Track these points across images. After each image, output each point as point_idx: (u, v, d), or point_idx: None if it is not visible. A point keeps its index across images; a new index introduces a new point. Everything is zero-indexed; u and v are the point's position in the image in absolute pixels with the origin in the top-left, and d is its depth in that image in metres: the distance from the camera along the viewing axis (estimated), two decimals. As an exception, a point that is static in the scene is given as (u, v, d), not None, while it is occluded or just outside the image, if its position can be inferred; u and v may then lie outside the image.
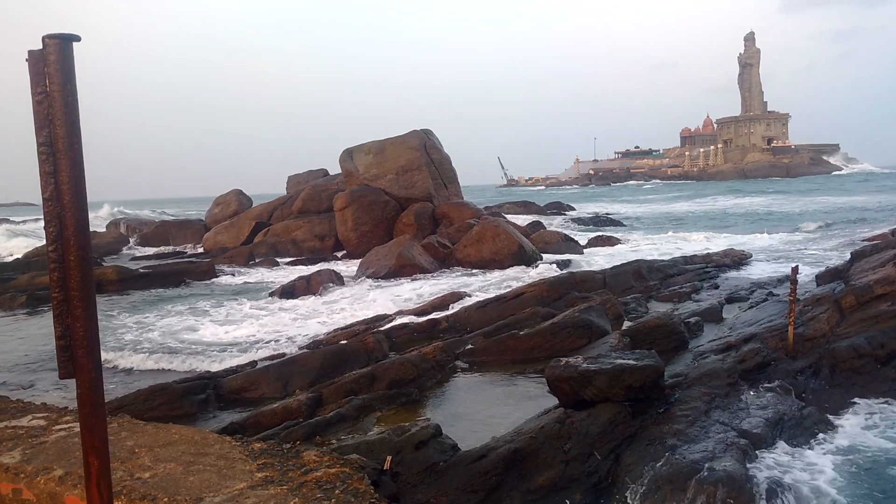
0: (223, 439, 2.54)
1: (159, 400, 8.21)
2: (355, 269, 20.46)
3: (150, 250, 31.43)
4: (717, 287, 15.09)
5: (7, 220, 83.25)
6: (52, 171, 1.72)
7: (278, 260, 24.76)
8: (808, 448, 6.44)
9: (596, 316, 10.66)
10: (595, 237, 26.75)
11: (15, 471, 2.27)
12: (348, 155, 27.64)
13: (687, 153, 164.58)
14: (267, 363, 9.93)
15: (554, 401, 7.07)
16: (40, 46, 1.71)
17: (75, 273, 1.74)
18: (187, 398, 8.41)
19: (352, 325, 12.71)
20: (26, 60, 1.73)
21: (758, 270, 17.73)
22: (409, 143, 27.23)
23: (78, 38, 1.73)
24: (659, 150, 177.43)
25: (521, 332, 10.43)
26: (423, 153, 27.01)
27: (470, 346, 10.41)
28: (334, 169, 30.57)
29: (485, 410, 8.07)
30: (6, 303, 17.61)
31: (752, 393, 7.32)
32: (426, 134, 28.38)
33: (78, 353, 1.77)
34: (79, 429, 2.58)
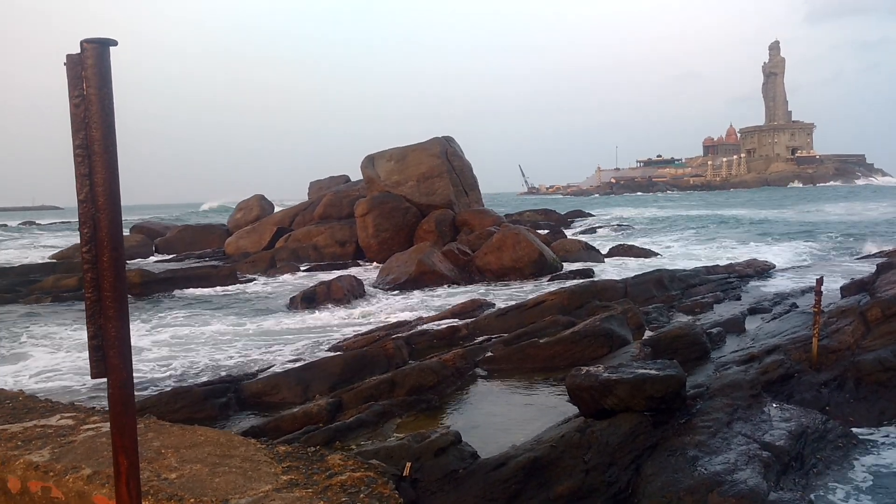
0: (248, 441, 2.55)
1: (181, 402, 8.27)
2: (375, 275, 20.52)
3: (173, 254, 31.69)
4: (739, 298, 14.96)
5: (33, 223, 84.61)
6: (88, 174, 1.74)
7: (299, 265, 24.88)
8: (832, 462, 6.35)
9: (617, 325, 10.60)
10: (616, 246, 26.64)
11: (44, 469, 2.30)
12: (370, 161, 27.75)
13: (709, 162, 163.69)
14: (287, 367, 9.98)
15: (574, 410, 7.04)
16: (78, 50, 1.74)
17: (109, 274, 1.77)
18: (209, 401, 8.46)
19: (372, 330, 12.73)
20: (64, 64, 1.76)
21: (781, 281, 17.54)
22: (431, 150, 27.30)
23: (115, 43, 1.76)
24: (681, 160, 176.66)
25: (542, 341, 10.39)
26: (444, 160, 27.06)
27: (490, 354, 10.39)
28: (356, 175, 30.74)
29: (504, 418, 8.05)
30: (32, 303, 17.89)
31: (774, 405, 7.24)
32: (447, 141, 28.43)
33: (109, 353, 1.80)
34: (106, 428, 2.61)
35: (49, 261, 28.28)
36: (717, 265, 19.57)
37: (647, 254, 24.38)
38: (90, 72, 1.72)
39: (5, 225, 77.51)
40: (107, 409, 2.11)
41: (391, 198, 25.67)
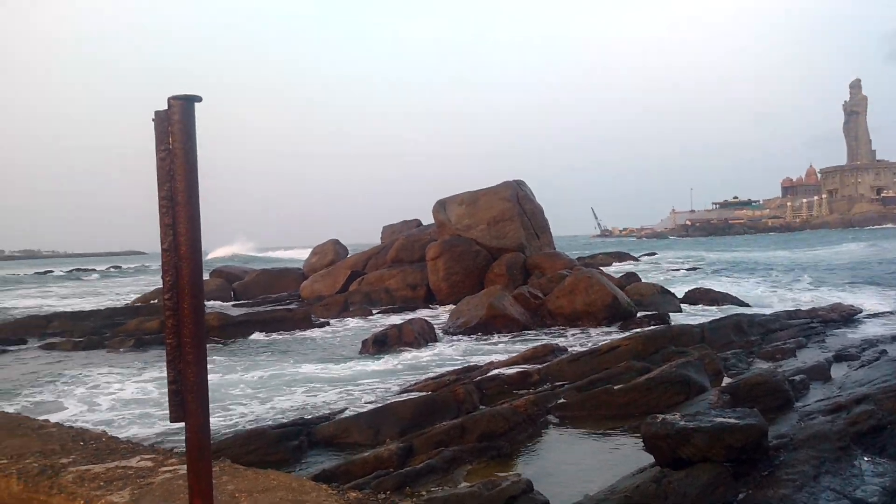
0: (319, 487, 2.57)
1: (255, 444, 8.39)
2: (446, 318, 20.55)
3: (250, 298, 32.48)
4: (823, 343, 14.36)
5: (117, 266, 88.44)
6: (171, 224, 1.82)
7: (372, 308, 25.14)
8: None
9: (694, 371, 10.31)
10: (692, 289, 25.93)
11: (124, 510, 2.36)
12: (441, 206, 28.03)
13: (788, 204, 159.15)
14: (358, 411, 10.03)
15: (650, 459, 6.83)
16: (165, 107, 1.83)
17: (188, 321, 1.82)
18: (282, 444, 8.56)
19: (442, 374, 12.71)
20: (152, 119, 1.85)
21: (870, 327, 16.79)
22: (501, 194, 27.40)
23: (199, 99, 1.84)
24: (758, 201, 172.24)
25: (616, 387, 10.17)
26: (514, 203, 27.11)
27: (562, 400, 10.22)
28: (427, 219, 31.05)
29: (577, 467, 7.87)
30: (115, 345, 18.58)
31: (866, 458, 6.86)
32: (518, 185, 28.51)
33: (188, 397, 1.85)
34: (183, 471, 2.67)
35: (133, 304, 29.41)
36: (799, 309, 18.90)
37: (725, 298, 23.67)
38: (176, 127, 1.80)
39: (93, 269, 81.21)
40: (183, 451, 2.16)
41: (462, 241, 25.80)
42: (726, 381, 10.85)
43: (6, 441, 3.02)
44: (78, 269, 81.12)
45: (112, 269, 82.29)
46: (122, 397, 12.23)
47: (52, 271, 79.86)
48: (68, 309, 28.40)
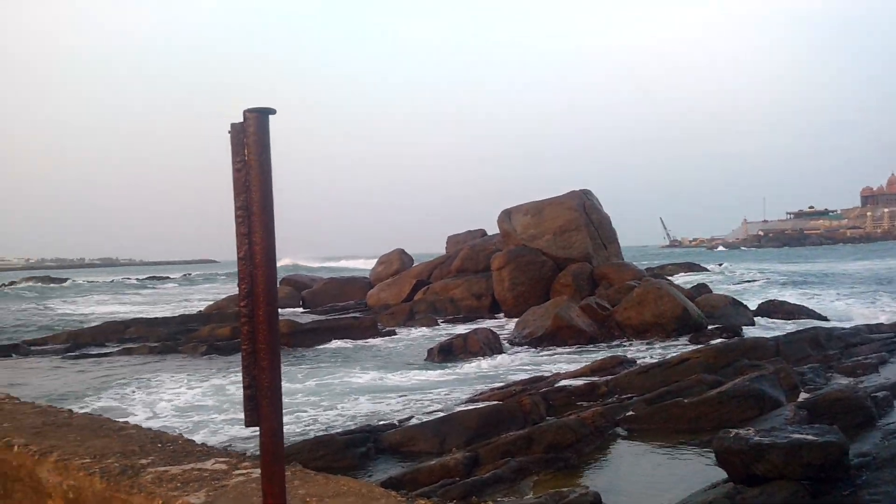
0: (389, 494, 2.58)
1: (323, 451, 8.51)
2: (511, 328, 20.47)
3: (318, 306, 33.00)
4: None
5: (188, 274, 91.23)
6: (247, 233, 1.86)
7: (436, 318, 25.23)
8: None
9: (768, 385, 10.00)
10: (766, 301, 25.12)
11: (199, 511, 2.42)
12: (506, 215, 27.97)
13: (868, 213, 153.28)
14: (424, 419, 10.07)
15: (722, 474, 6.66)
16: (241, 119, 1.88)
17: (263, 327, 1.86)
18: (349, 450, 8.66)
19: (508, 384, 12.65)
20: (228, 132, 1.90)
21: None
22: (568, 204, 27.19)
23: (273, 111, 1.88)
24: (836, 211, 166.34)
25: (686, 400, 9.95)
26: (581, 213, 26.86)
27: (631, 413, 10.04)
28: (492, 229, 31.03)
29: (646, 481, 7.72)
30: (189, 351, 19.17)
31: (954, 480, 6.53)
32: (585, 194, 28.24)
33: (262, 402, 1.88)
34: (256, 474, 2.72)
35: (205, 312, 30.27)
36: (882, 323, 18.12)
37: (801, 310, 22.87)
38: (251, 139, 1.85)
39: (167, 277, 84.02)
40: (256, 455, 2.21)
41: (527, 251, 25.68)
42: (803, 396, 10.50)
43: (90, 441, 3.14)
44: (153, 277, 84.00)
45: (184, 277, 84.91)
46: (188, 401, 12.56)
47: (128, 279, 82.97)
48: (143, 315, 29.39)
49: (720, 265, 53.58)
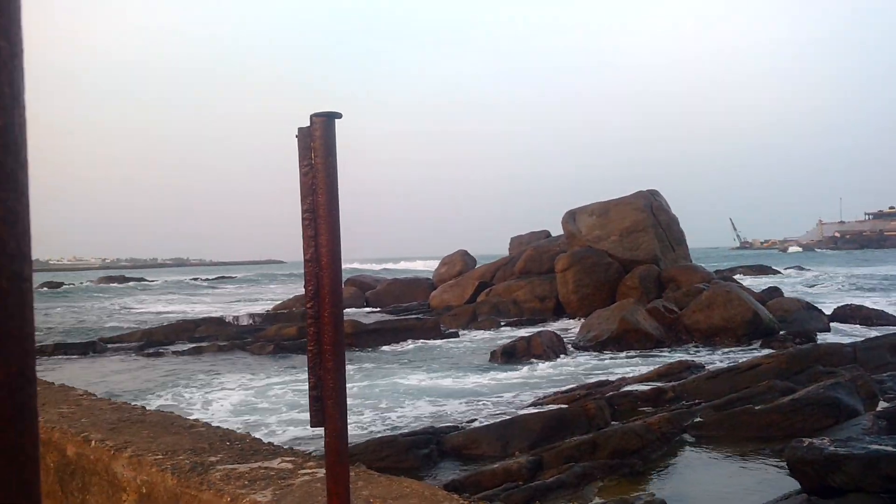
0: (451, 496, 2.58)
1: (386, 451, 8.58)
2: (576, 331, 20.25)
3: (382, 306, 33.32)
4: None
5: (254, 275, 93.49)
6: (314, 235, 1.88)
7: (499, 319, 25.15)
8: None
9: (845, 393, 9.64)
10: (842, 306, 24.18)
11: (266, 509, 2.46)
12: (571, 216, 27.70)
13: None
14: (488, 422, 10.04)
15: (794, 484, 6.44)
16: (308, 123, 1.90)
17: (328, 329, 1.88)
18: (412, 452, 8.70)
19: (573, 388, 12.52)
20: (296, 136, 1.93)
21: None
22: (634, 205, 26.76)
23: (340, 116, 1.90)
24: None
25: (757, 408, 9.67)
26: (648, 214, 26.41)
27: (699, 419, 9.82)
28: (556, 230, 30.77)
29: (714, 489, 7.54)
30: (256, 350, 19.62)
31: None
32: (652, 195, 27.75)
33: (327, 403, 1.90)
34: (321, 474, 2.75)
35: (272, 311, 30.91)
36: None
37: (880, 316, 21.96)
38: (318, 143, 1.87)
39: (234, 276, 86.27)
40: (321, 454, 2.23)
41: (593, 253, 25.37)
42: (882, 405, 10.08)
43: (161, 438, 3.23)
44: (222, 277, 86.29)
45: (250, 278, 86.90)
46: (247, 401, 12.81)
47: (198, 278, 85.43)
48: (212, 314, 30.17)
49: (794, 268, 51.94)
